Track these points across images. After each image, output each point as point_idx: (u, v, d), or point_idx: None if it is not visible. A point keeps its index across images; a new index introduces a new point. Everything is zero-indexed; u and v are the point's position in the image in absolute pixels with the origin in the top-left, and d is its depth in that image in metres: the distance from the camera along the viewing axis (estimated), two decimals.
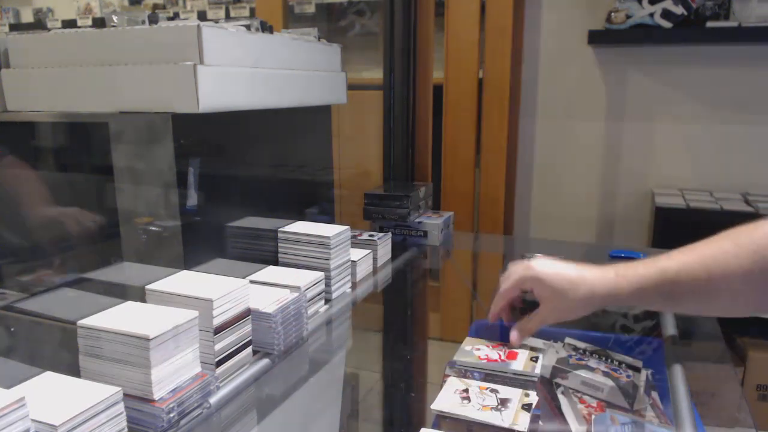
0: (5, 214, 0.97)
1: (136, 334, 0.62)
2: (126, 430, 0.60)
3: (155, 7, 3.01)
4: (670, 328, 0.94)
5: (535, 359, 0.76)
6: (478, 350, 0.79)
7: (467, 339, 0.83)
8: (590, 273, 0.74)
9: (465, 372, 0.75)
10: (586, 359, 0.79)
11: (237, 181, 0.97)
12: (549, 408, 0.71)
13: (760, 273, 0.66)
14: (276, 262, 1.03)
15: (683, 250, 0.72)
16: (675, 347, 0.87)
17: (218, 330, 0.72)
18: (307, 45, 1.09)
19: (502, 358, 0.77)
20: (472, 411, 0.65)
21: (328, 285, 0.99)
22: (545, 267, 0.77)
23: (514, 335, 0.80)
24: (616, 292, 0.72)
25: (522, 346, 0.81)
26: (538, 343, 0.84)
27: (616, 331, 1.04)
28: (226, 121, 0.91)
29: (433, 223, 1.38)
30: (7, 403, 0.50)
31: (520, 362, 0.76)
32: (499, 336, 0.84)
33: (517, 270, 0.80)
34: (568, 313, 0.76)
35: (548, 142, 2.12)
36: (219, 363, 0.72)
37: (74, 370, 0.65)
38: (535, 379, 0.73)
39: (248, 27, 0.94)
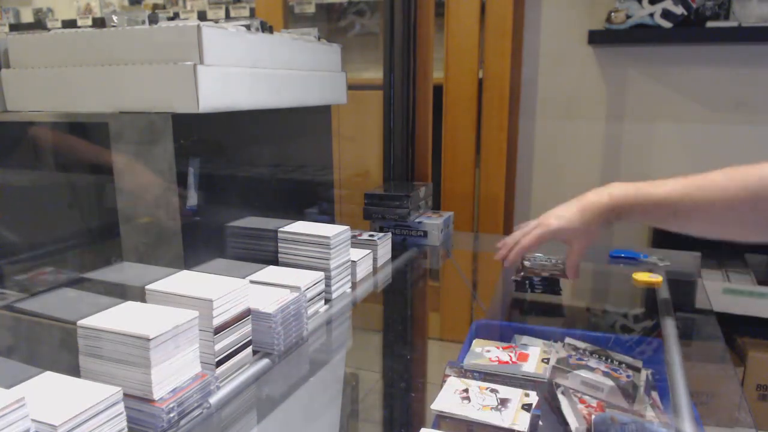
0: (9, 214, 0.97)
1: (136, 334, 0.62)
2: (126, 430, 0.60)
3: (155, 7, 3.01)
4: (670, 328, 0.94)
5: (546, 360, 0.77)
6: (488, 352, 0.79)
7: (476, 341, 0.83)
8: (589, 203, 0.94)
9: (465, 372, 0.75)
10: (586, 359, 0.79)
11: (237, 181, 0.97)
12: (549, 408, 0.71)
13: (740, 203, 0.79)
14: (276, 262, 1.03)
15: (677, 179, 0.88)
16: (675, 347, 0.87)
17: (218, 330, 0.72)
18: (307, 45, 1.09)
19: (513, 360, 0.77)
20: (472, 411, 0.65)
21: (328, 285, 0.99)
22: (560, 221, 0.97)
23: (572, 273, 1.02)
24: (609, 206, 0.91)
25: (525, 348, 0.81)
26: (537, 343, 0.84)
27: (616, 331, 1.05)
28: (226, 121, 0.91)
29: (433, 223, 1.38)
30: (7, 403, 0.50)
31: (532, 364, 0.76)
32: (499, 336, 0.84)
33: (537, 230, 0.99)
34: (592, 237, 0.96)
35: (548, 142, 2.12)
36: (219, 363, 0.72)
37: (74, 370, 0.65)
38: (545, 380, 0.73)
39: (248, 27, 0.94)
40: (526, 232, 1.00)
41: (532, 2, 2.06)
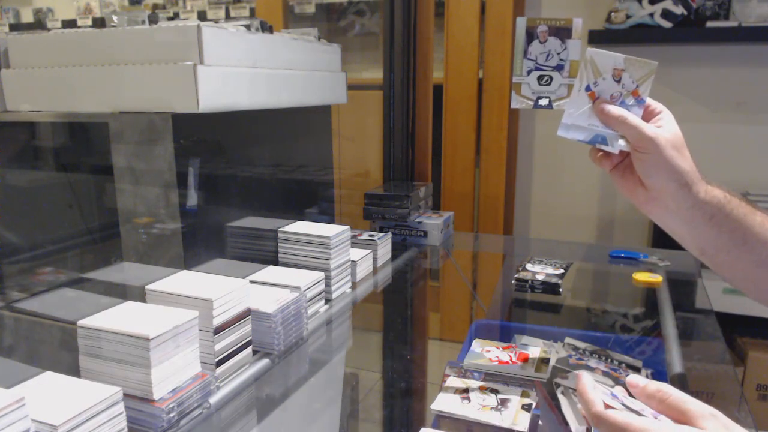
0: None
1: (136, 334, 0.62)
2: (126, 430, 0.60)
3: (155, 7, 3.01)
4: (670, 328, 0.94)
5: (546, 360, 0.77)
6: (488, 352, 0.79)
7: (476, 341, 0.83)
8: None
9: (465, 372, 0.75)
10: (586, 359, 0.79)
11: (237, 181, 0.97)
12: (549, 408, 0.71)
13: None
14: (276, 262, 1.03)
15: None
16: (675, 347, 0.87)
17: (218, 330, 0.72)
18: (307, 45, 1.09)
19: (513, 360, 0.77)
20: (472, 411, 0.65)
21: (328, 285, 0.99)
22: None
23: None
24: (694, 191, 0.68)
25: (525, 348, 0.81)
26: (537, 343, 0.84)
27: (616, 331, 1.04)
28: (226, 121, 0.91)
29: (433, 223, 1.38)
30: (7, 403, 0.50)
31: (532, 364, 0.76)
32: (499, 336, 0.84)
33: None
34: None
35: (548, 142, 2.12)
36: (219, 363, 0.72)
37: (74, 370, 0.65)
38: (545, 380, 0.73)
39: (248, 27, 0.94)
40: None
41: (532, 2, 2.06)
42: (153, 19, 0.90)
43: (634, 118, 0.68)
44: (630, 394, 0.57)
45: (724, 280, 0.75)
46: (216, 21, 2.04)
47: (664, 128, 0.68)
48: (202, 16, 2.81)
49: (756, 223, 0.68)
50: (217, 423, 0.69)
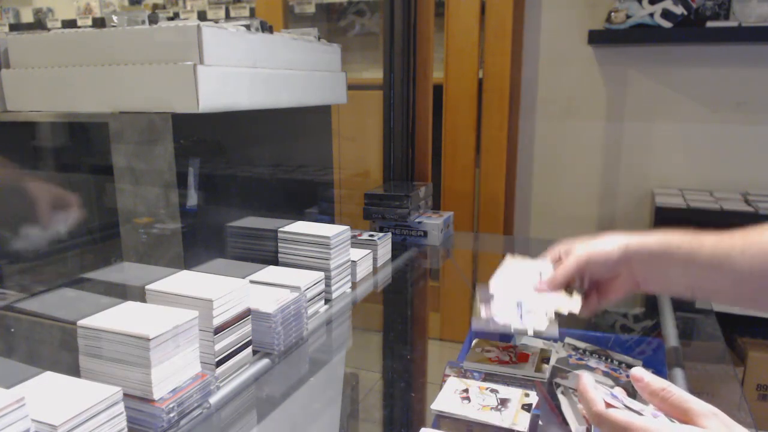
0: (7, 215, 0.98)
1: (136, 334, 0.62)
2: (126, 430, 0.60)
3: (155, 7, 3.01)
4: (670, 328, 0.94)
5: (546, 360, 0.77)
6: (488, 352, 0.79)
7: (476, 341, 0.83)
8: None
9: (465, 372, 0.75)
10: (586, 359, 0.79)
11: (237, 181, 0.97)
12: (549, 408, 0.71)
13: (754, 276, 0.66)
14: (276, 262, 1.03)
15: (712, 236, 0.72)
16: (675, 347, 0.87)
17: (218, 330, 0.72)
18: (307, 45, 1.09)
19: (514, 360, 0.77)
20: (472, 411, 0.65)
21: (328, 285, 0.99)
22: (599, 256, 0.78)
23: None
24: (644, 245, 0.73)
25: (525, 347, 0.81)
26: (537, 343, 0.84)
27: (616, 331, 1.04)
28: (226, 121, 0.91)
29: (433, 223, 1.38)
30: (7, 403, 0.50)
31: (532, 364, 0.76)
32: (499, 336, 0.84)
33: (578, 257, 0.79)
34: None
35: (548, 142, 2.12)
36: (219, 363, 0.72)
37: (74, 370, 0.65)
38: (545, 380, 0.73)
39: (248, 27, 0.94)
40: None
41: (532, 2, 2.06)
42: (153, 19, 0.90)
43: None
44: (629, 394, 0.57)
45: (731, 305, 0.76)
46: (216, 21, 2.04)
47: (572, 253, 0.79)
48: (202, 16, 2.81)
49: (704, 252, 0.68)
50: (217, 423, 0.69)
